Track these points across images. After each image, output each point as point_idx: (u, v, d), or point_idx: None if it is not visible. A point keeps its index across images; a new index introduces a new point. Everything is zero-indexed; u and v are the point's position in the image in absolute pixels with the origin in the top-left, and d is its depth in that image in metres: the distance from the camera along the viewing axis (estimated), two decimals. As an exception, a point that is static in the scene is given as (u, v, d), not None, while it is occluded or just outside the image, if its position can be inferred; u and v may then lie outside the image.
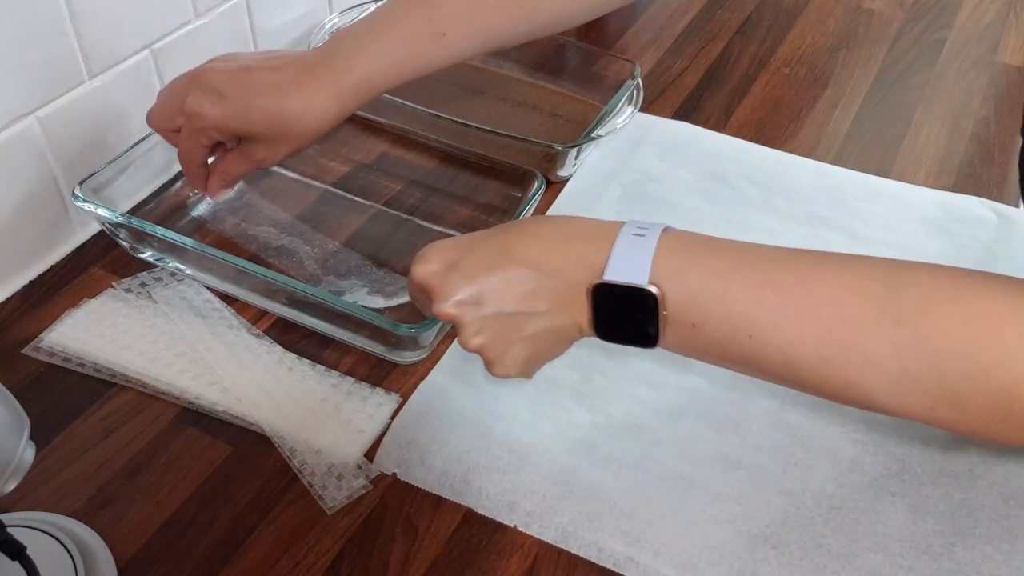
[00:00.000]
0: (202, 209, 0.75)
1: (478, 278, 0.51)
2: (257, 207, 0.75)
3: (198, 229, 0.73)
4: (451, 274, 0.51)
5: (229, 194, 0.72)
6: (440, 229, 0.75)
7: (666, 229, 0.51)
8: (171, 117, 0.64)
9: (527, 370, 0.54)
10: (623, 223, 0.51)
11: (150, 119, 0.66)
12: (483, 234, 0.54)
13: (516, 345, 0.52)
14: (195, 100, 0.62)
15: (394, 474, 0.57)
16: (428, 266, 0.52)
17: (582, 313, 0.51)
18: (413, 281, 0.53)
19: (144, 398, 0.61)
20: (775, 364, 0.48)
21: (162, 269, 0.69)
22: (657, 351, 0.51)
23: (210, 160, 0.67)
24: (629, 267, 0.49)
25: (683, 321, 0.49)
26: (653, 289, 0.48)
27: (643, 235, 0.50)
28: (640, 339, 0.51)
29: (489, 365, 0.53)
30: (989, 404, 0.44)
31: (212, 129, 0.63)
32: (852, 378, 0.46)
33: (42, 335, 0.64)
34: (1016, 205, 0.79)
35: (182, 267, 0.69)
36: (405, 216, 0.76)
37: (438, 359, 0.64)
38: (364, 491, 0.56)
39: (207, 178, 0.67)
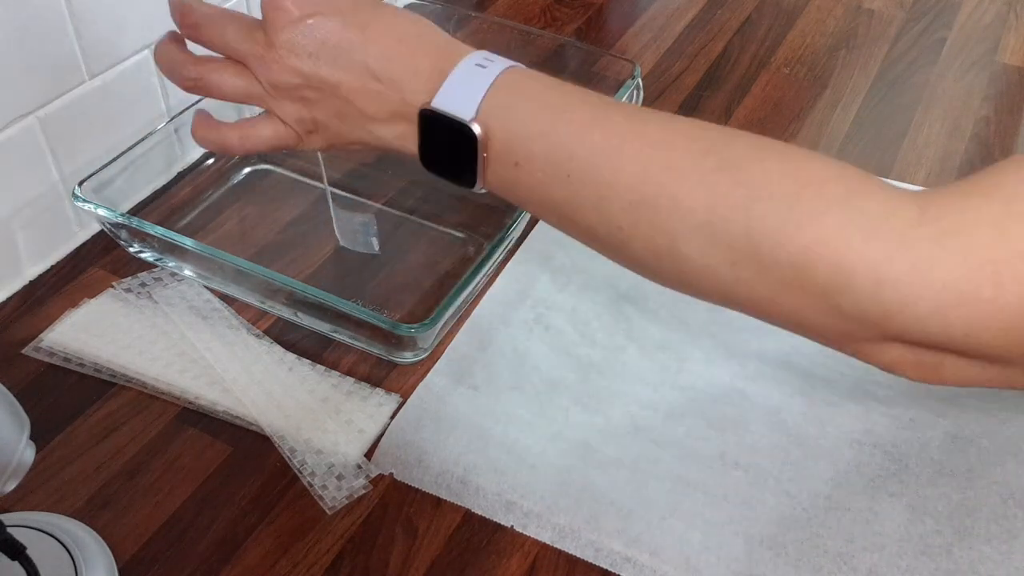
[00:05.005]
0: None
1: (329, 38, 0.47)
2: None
3: (198, 229, 0.73)
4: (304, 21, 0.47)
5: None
6: (440, 228, 0.75)
7: (513, 66, 0.48)
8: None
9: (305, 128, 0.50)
10: (476, 51, 0.48)
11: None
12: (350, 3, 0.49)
13: (316, 107, 0.49)
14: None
15: (391, 474, 0.57)
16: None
17: (412, 135, 0.49)
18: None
19: (144, 398, 0.61)
20: (588, 209, 0.45)
21: (162, 269, 0.69)
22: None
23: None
24: (459, 98, 0.46)
25: (506, 161, 0.46)
26: (476, 128, 0.46)
27: (485, 67, 0.47)
28: (460, 177, 0.48)
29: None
30: (791, 263, 0.41)
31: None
32: (659, 221, 0.43)
33: (42, 335, 0.64)
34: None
35: (182, 267, 0.69)
36: (405, 215, 0.76)
37: (437, 360, 0.64)
38: (364, 491, 0.56)
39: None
